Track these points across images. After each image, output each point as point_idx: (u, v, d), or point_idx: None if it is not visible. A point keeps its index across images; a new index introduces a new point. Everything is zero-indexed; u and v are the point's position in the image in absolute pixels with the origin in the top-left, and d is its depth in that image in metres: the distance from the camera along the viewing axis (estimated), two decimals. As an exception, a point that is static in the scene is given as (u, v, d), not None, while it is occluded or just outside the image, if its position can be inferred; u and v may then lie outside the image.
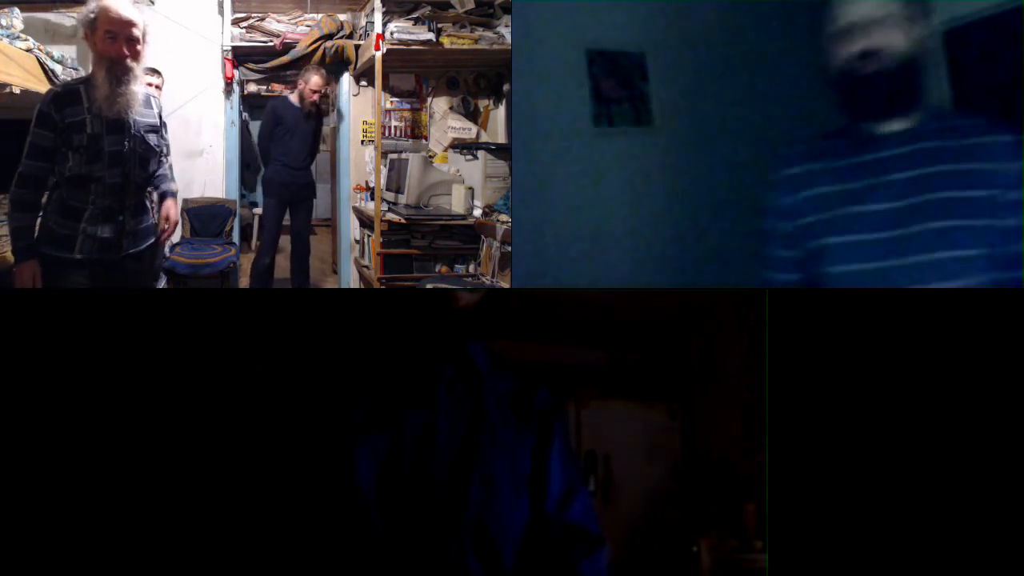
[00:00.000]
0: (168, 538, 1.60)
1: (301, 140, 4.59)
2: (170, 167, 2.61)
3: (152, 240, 2.49)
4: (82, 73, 3.80)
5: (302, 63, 4.76)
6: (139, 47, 2.27)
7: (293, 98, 4.63)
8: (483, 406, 1.22)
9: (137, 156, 2.35)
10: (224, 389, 1.65)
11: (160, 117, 2.45)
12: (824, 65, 1.43)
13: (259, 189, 5.00)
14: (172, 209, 2.50)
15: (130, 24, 2.24)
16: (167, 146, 2.56)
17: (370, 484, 1.16)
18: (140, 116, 2.35)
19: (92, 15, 2.23)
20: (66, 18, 4.43)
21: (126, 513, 1.61)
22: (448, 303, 1.22)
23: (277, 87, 6.92)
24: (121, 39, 2.23)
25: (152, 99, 2.44)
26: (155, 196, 2.56)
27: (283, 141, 4.57)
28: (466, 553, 1.16)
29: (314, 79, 4.51)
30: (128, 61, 2.25)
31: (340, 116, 5.30)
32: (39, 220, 2.35)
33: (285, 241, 4.85)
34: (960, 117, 1.42)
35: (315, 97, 4.53)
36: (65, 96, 2.28)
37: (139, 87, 2.32)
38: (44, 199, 2.38)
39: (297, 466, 1.22)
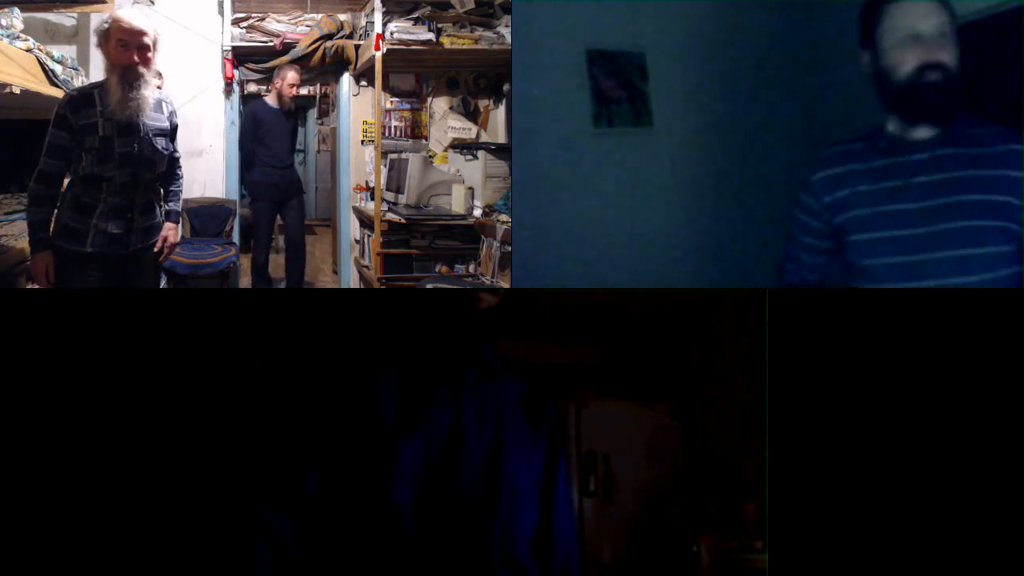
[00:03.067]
0: (167, 540, 1.60)
1: (282, 139, 4.69)
2: (181, 185, 2.74)
3: (158, 237, 2.59)
4: (81, 73, 3.81)
5: (302, 63, 4.77)
6: (150, 55, 2.40)
7: (270, 99, 4.69)
8: (501, 409, 1.23)
9: (145, 158, 2.45)
10: (224, 390, 1.65)
11: (171, 121, 2.56)
12: (879, 72, 1.53)
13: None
14: (172, 232, 2.66)
15: (141, 34, 2.37)
16: (178, 159, 2.66)
17: (409, 488, 1.16)
18: (150, 120, 2.45)
19: (106, 25, 2.39)
20: (66, 18, 4.43)
21: (128, 514, 1.61)
22: (470, 305, 1.22)
23: (277, 87, 6.91)
24: (132, 48, 2.36)
25: (164, 103, 2.54)
26: (165, 203, 2.67)
27: (265, 143, 4.66)
28: (494, 555, 1.17)
29: (290, 75, 4.59)
30: (139, 68, 2.37)
31: (340, 116, 5.30)
32: (55, 215, 2.46)
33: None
34: (981, 126, 1.53)
35: (292, 92, 4.62)
36: (80, 99, 2.41)
37: (150, 92, 2.42)
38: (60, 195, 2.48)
39: (321, 468, 1.20)
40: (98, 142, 2.36)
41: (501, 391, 1.25)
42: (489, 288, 1.23)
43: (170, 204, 2.68)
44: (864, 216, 1.55)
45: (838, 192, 1.59)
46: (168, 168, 2.59)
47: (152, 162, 2.47)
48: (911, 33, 1.48)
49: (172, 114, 2.56)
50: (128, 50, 2.35)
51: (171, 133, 2.55)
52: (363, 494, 1.16)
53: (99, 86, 2.44)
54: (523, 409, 1.27)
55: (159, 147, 2.48)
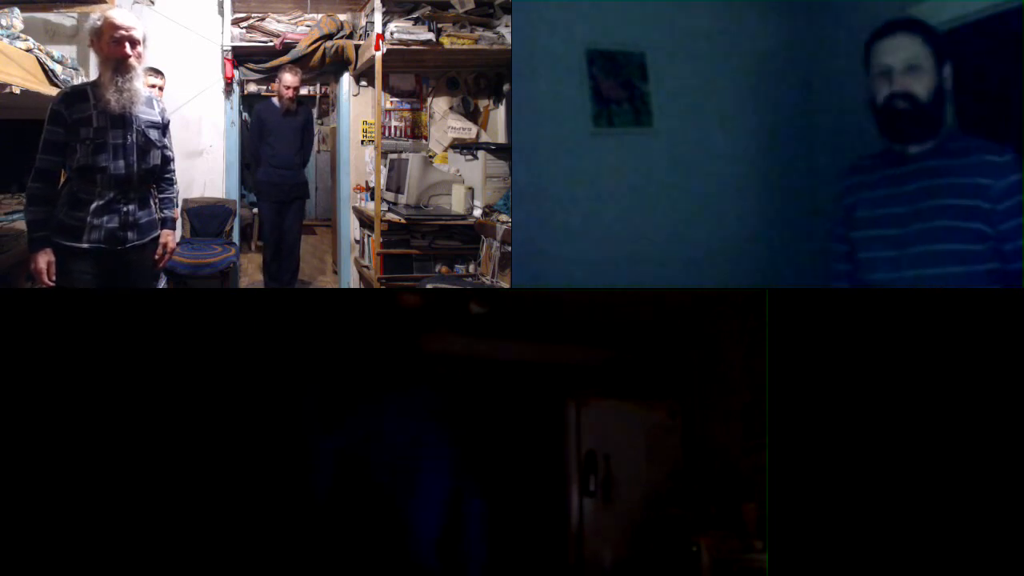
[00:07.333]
0: (164, 538, 1.60)
1: (286, 140, 4.75)
2: (177, 193, 2.86)
3: (155, 234, 2.70)
4: (82, 73, 3.81)
5: (302, 63, 4.78)
6: (140, 49, 2.55)
7: (276, 100, 4.78)
8: (416, 417, 1.27)
9: (138, 149, 2.56)
10: (224, 389, 1.65)
11: (163, 117, 2.69)
12: (868, 99, 1.80)
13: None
14: (171, 239, 2.76)
15: (131, 29, 2.54)
16: (171, 159, 2.76)
17: (326, 487, 1.18)
18: (142, 113, 2.59)
19: (98, 23, 2.54)
20: (66, 18, 4.43)
21: (126, 513, 1.61)
22: (466, 307, 1.25)
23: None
24: (124, 42, 2.51)
25: (155, 101, 2.69)
26: (159, 207, 2.75)
27: (270, 143, 4.74)
28: (409, 551, 1.20)
29: (286, 77, 4.64)
30: (131, 61, 2.52)
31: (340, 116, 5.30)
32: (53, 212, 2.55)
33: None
34: (964, 138, 1.76)
35: (290, 94, 4.66)
36: (73, 95, 2.55)
37: (141, 85, 2.58)
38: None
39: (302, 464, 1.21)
40: (92, 133, 2.48)
41: (416, 400, 1.29)
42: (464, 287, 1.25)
43: (165, 211, 2.77)
44: (864, 218, 1.83)
45: (848, 199, 1.89)
46: (161, 168, 2.69)
47: (146, 153, 2.58)
48: (882, 68, 1.75)
49: (163, 111, 2.69)
50: (120, 45, 2.49)
51: (163, 128, 2.67)
52: (279, 486, 1.18)
53: (92, 83, 2.58)
54: (434, 419, 1.31)
55: (152, 138, 2.60)
